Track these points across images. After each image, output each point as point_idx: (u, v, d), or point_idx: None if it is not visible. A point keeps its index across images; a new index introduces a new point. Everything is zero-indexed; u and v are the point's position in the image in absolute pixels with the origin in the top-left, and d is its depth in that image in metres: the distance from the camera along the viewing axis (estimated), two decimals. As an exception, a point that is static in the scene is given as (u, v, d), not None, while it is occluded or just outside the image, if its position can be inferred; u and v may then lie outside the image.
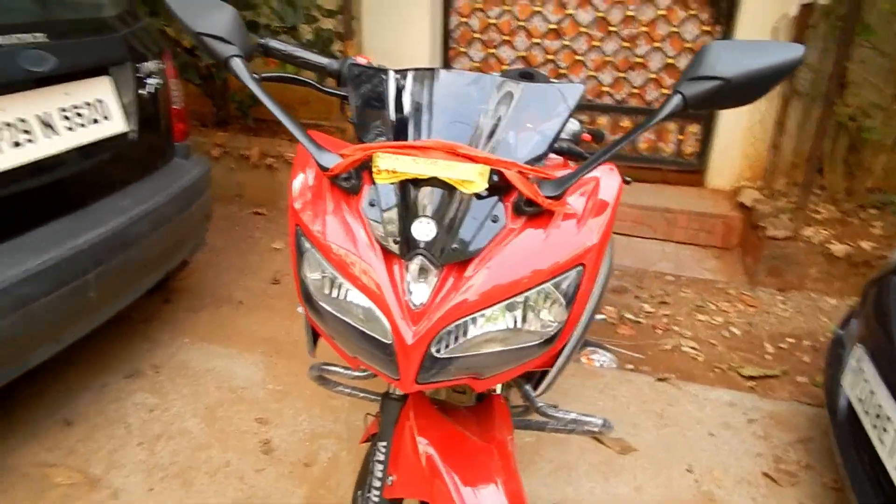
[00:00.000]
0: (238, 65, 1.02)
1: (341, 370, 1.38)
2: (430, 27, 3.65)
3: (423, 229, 0.89)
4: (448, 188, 0.90)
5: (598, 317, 2.69)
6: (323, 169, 0.94)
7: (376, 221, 0.92)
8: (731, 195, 3.48)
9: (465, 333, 0.90)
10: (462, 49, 3.86)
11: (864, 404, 1.56)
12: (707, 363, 2.43)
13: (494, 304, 0.89)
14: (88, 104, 1.86)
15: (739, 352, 2.50)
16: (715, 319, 2.71)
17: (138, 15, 2.21)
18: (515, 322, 0.91)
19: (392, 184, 0.92)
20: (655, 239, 3.41)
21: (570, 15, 3.62)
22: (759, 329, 2.66)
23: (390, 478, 1.06)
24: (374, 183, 0.93)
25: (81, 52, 1.82)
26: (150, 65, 2.12)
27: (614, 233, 3.68)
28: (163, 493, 1.73)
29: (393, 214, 0.91)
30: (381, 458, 1.09)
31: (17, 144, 1.60)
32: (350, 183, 0.96)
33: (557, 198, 0.91)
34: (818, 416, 2.13)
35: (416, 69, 1.08)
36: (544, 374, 1.60)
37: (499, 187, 0.91)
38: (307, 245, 0.98)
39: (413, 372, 0.90)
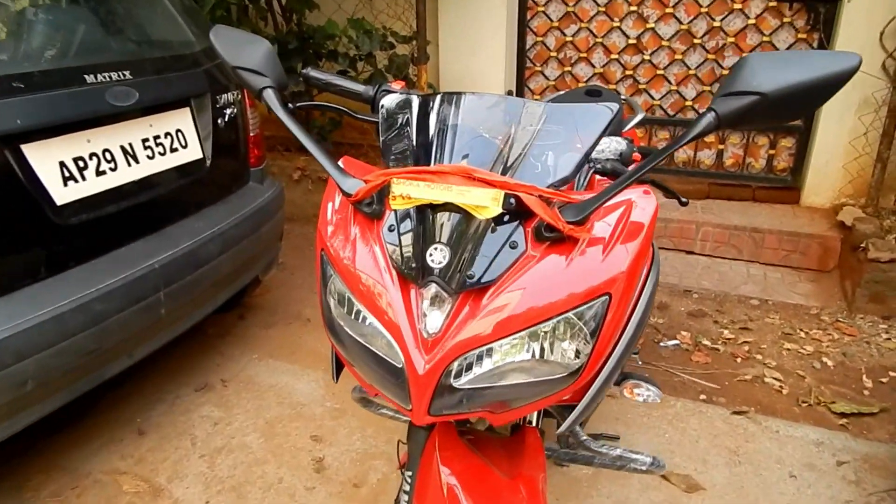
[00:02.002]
0: (270, 95, 1.08)
1: None
2: (505, 48, 3.65)
3: (437, 256, 0.87)
4: (465, 213, 0.88)
5: (671, 342, 2.57)
6: (346, 195, 0.96)
7: (394, 247, 0.92)
8: (829, 213, 3.20)
9: (481, 364, 0.87)
10: (538, 68, 3.83)
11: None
12: (792, 396, 2.22)
13: (511, 335, 0.86)
14: (169, 134, 2.00)
15: (831, 385, 2.27)
16: (804, 349, 2.48)
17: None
18: (535, 353, 0.88)
19: (410, 209, 0.92)
20: (741, 260, 3.19)
21: (651, 29, 3.50)
22: (857, 361, 2.40)
23: None
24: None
25: (164, 87, 1.97)
26: (229, 95, 2.26)
27: (693, 253, 3.43)
28: (219, 505, 1.80)
29: (410, 240, 0.91)
30: (407, 488, 1.08)
31: (100, 173, 1.76)
32: (371, 208, 0.97)
33: (580, 223, 0.87)
34: (924, 464, 1.88)
35: (441, 93, 1.08)
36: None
37: (519, 212, 0.88)
38: (330, 270, 1.00)
39: (425, 403, 0.89)
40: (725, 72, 3.41)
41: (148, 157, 1.91)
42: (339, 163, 1.10)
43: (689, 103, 3.56)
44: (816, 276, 3.03)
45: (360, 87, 1.22)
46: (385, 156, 1.03)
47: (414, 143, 1.02)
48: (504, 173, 0.93)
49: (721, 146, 3.53)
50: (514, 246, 0.88)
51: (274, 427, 2.11)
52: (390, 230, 0.93)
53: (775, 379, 2.31)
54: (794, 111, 0.80)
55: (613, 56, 3.61)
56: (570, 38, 3.67)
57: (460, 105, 1.04)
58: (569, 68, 3.74)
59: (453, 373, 0.87)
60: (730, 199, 3.48)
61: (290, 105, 1.11)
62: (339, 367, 1.14)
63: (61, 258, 1.66)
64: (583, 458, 1.34)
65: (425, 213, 0.91)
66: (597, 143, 0.96)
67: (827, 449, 1.97)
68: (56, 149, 1.63)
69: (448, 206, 0.88)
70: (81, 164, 1.69)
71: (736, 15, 3.33)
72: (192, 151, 2.08)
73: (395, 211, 0.93)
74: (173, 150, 2.00)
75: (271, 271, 2.67)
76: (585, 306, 0.87)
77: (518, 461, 1.09)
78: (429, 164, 0.97)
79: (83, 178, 1.70)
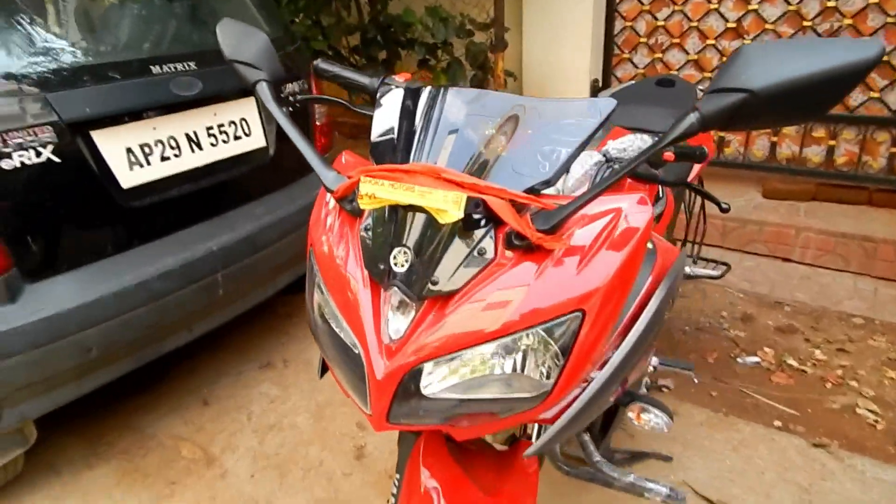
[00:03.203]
0: (262, 88, 1.09)
1: None
2: (591, 34, 3.48)
3: (400, 259, 0.86)
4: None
5: (750, 359, 2.34)
6: (328, 190, 0.96)
7: (367, 247, 0.91)
8: (961, 222, 2.78)
9: (444, 373, 0.84)
10: (626, 55, 3.62)
11: None
12: (888, 434, 1.95)
13: (473, 346, 0.82)
14: (233, 122, 2.08)
15: (938, 423, 1.97)
16: (911, 378, 2.18)
17: (294, 38, 2.44)
18: (503, 368, 0.83)
19: (386, 208, 0.89)
20: (847, 272, 2.85)
21: (754, 10, 3.19)
22: (975, 397, 2.07)
23: None
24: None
25: (228, 77, 2.03)
26: (294, 85, 2.31)
27: (791, 260, 3.10)
28: (261, 482, 1.87)
29: (381, 241, 0.89)
30: (395, 490, 1.07)
31: (164, 159, 1.86)
32: (352, 205, 0.96)
33: (550, 231, 0.81)
34: None
35: (429, 88, 1.04)
36: (608, 422, 1.42)
37: (492, 217, 0.84)
38: (315, 267, 1.00)
39: (383, 408, 0.87)
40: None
41: (211, 144, 1.99)
42: (343, 157, 1.10)
43: (797, 94, 3.21)
44: (938, 293, 2.65)
45: (364, 80, 1.19)
46: (374, 151, 1.01)
47: (396, 138, 0.99)
48: (480, 173, 0.88)
49: (832, 142, 3.16)
50: (482, 252, 0.84)
51: (324, 410, 2.16)
52: (366, 229, 0.92)
53: (870, 411, 2.04)
54: (796, 112, 0.68)
55: (710, 41, 3.33)
56: (662, 23, 3.42)
57: (444, 100, 0.99)
58: (660, 55, 3.50)
59: (414, 380, 0.84)
60: (840, 202, 3.12)
61: (290, 98, 1.12)
62: (325, 365, 1.14)
63: (126, 238, 1.78)
64: (601, 479, 1.25)
65: (398, 214, 0.88)
66: (586, 143, 0.88)
67: (922, 496, 1.72)
68: (123, 135, 1.74)
69: (417, 207, 0.84)
70: (147, 150, 1.80)
71: (856, -6, 2.95)
72: (256, 139, 2.15)
73: (374, 209, 0.91)
74: (237, 137, 2.08)
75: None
76: (554, 322, 0.81)
77: (504, 478, 1.04)
78: (407, 162, 0.94)
79: (148, 164, 1.80)
